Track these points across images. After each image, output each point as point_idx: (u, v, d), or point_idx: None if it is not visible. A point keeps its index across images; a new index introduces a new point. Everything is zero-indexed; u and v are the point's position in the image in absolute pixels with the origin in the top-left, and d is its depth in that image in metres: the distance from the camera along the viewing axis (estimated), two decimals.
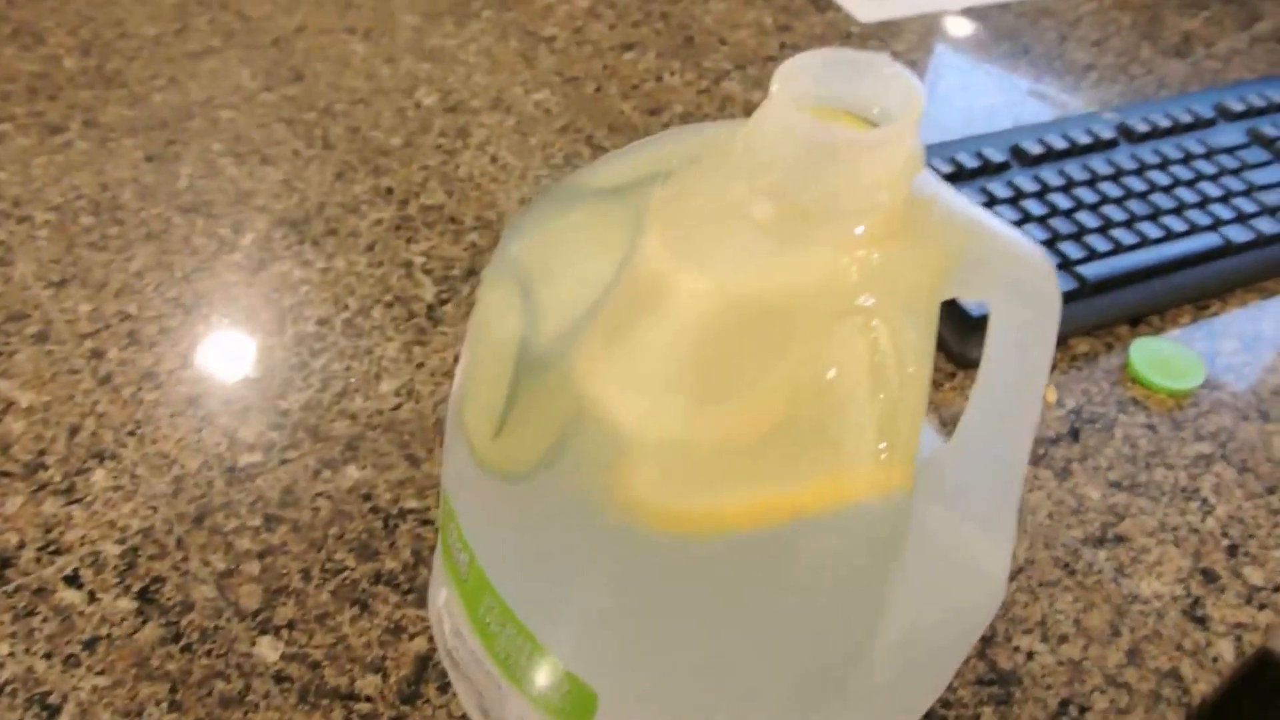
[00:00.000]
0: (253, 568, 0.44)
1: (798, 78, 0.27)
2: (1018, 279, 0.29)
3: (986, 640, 0.45)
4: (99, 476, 0.46)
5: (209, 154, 0.62)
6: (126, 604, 0.42)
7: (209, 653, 0.41)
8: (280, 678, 0.41)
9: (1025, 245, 0.29)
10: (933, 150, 0.65)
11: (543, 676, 0.33)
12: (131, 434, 0.48)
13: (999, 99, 0.76)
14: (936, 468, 0.33)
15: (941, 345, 0.57)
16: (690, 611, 0.29)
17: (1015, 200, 0.63)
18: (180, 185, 0.60)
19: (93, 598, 0.42)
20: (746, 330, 0.27)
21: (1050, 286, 0.29)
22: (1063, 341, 0.58)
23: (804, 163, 0.26)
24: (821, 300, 0.26)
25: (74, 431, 0.48)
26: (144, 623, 0.42)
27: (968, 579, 0.35)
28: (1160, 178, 0.66)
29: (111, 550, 0.44)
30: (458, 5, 0.77)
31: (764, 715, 0.32)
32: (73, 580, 0.43)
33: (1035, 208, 0.62)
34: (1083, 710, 0.43)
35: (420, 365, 0.53)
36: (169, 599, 0.43)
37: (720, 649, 0.30)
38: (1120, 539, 0.49)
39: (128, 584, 0.43)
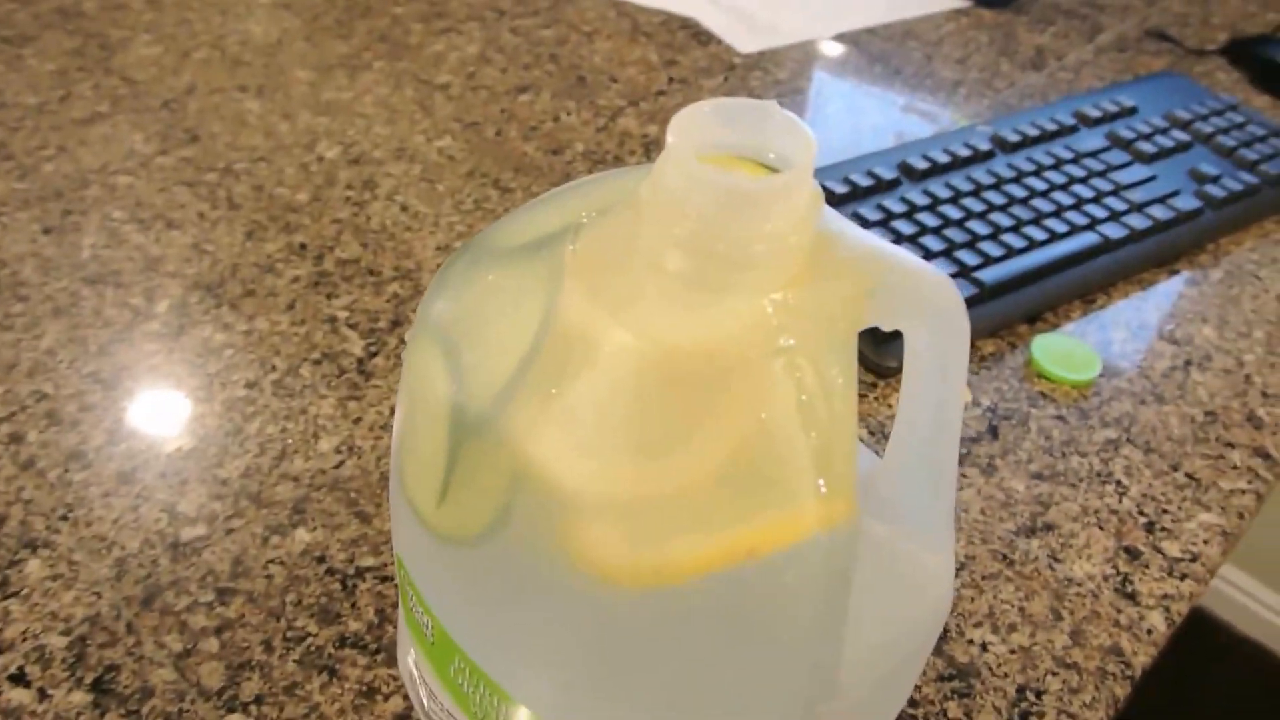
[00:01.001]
0: (211, 645, 0.42)
1: (692, 128, 0.28)
2: (926, 304, 0.30)
3: (942, 637, 0.47)
4: (34, 567, 0.44)
5: (110, 222, 0.60)
6: (81, 697, 0.40)
7: None
8: None
9: (929, 272, 0.30)
10: (827, 172, 0.68)
11: None
12: (64, 519, 0.46)
13: (879, 118, 0.79)
14: (872, 487, 0.34)
15: (859, 357, 0.59)
16: (656, 658, 0.29)
17: (910, 214, 0.66)
18: (84, 256, 0.58)
19: (43, 695, 0.40)
20: (675, 380, 0.27)
21: (957, 307, 0.30)
22: (969, 344, 0.61)
23: (713, 213, 0.26)
24: (744, 345, 0.27)
25: (1, 522, 0.45)
26: (102, 715, 0.40)
27: (916, 591, 0.36)
28: (1037, 183, 0.70)
29: (57, 642, 0.42)
30: (349, 58, 0.77)
31: None
32: (19, 679, 0.41)
33: (929, 220, 0.65)
34: (1039, 694, 0.45)
35: (358, 420, 0.52)
36: (126, 687, 0.41)
37: (691, 691, 0.30)
38: (1049, 527, 0.52)
39: (79, 676, 0.41)
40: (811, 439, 0.27)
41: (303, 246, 0.61)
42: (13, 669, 0.41)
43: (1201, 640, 1.36)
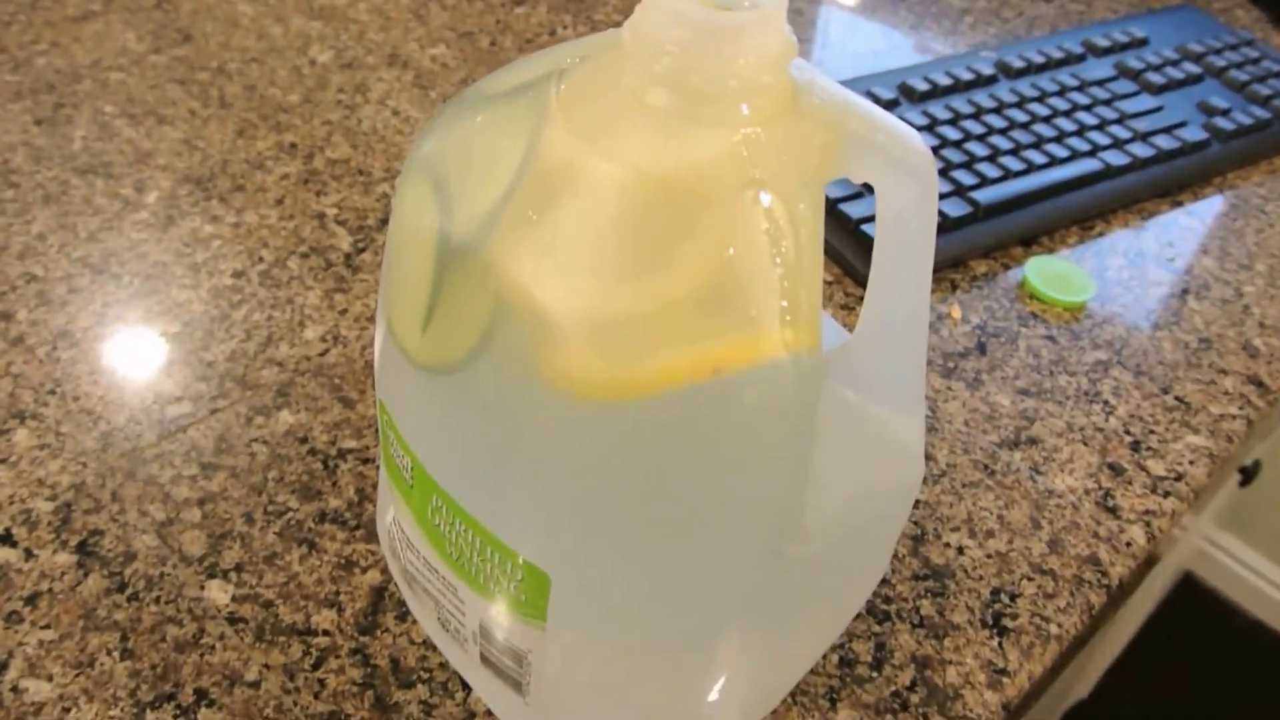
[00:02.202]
0: (193, 515, 0.43)
1: None
2: (896, 157, 0.31)
3: (918, 539, 0.47)
4: (21, 436, 0.45)
5: (102, 116, 0.60)
6: (65, 558, 0.41)
7: (157, 599, 0.40)
8: (234, 619, 0.40)
9: (900, 126, 0.31)
10: None
11: (495, 568, 0.33)
12: (51, 393, 0.46)
13: (883, 44, 0.79)
14: (847, 356, 0.35)
15: (849, 270, 0.59)
16: (628, 478, 0.30)
17: None
18: (75, 148, 0.58)
19: (29, 554, 0.41)
20: (648, 206, 0.28)
21: (927, 164, 0.32)
22: (962, 262, 0.61)
23: (691, 46, 0.27)
24: (717, 175, 0.28)
25: None
26: (86, 575, 0.41)
27: (887, 455, 0.37)
28: (1039, 109, 0.69)
29: (43, 507, 0.42)
30: None
31: (710, 589, 0.33)
32: (6, 539, 0.41)
33: (927, 140, 0.65)
34: (1013, 597, 0.45)
35: (344, 311, 0.52)
36: (110, 550, 0.41)
37: (662, 515, 0.31)
38: (1033, 441, 0.52)
39: (64, 539, 0.42)
40: (777, 266, 0.28)
41: (293, 146, 0.61)
42: (0, 530, 0.42)
43: (1215, 626, 1.35)
